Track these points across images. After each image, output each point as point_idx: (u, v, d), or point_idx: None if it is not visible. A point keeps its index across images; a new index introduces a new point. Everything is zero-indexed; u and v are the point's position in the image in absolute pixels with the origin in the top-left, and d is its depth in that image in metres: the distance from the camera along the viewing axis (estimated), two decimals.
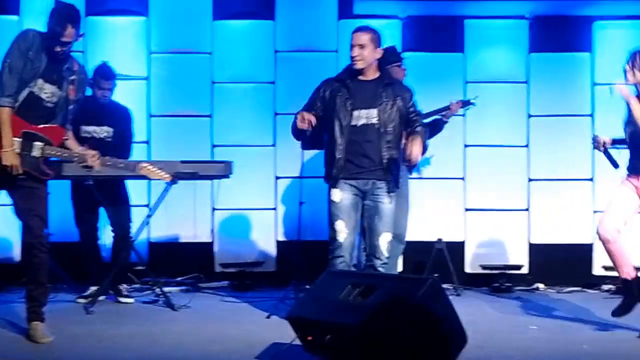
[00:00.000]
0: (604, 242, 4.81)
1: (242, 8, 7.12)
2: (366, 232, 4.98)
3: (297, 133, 4.92)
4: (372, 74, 4.93)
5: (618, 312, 4.86)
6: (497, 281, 6.79)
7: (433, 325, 3.72)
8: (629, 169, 4.91)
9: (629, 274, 4.82)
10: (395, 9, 7.06)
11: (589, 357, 4.34)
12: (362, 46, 4.84)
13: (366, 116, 4.85)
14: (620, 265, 4.83)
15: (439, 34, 7.15)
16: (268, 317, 5.35)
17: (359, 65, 4.87)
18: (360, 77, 4.92)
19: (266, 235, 7.05)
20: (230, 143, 6.99)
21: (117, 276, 5.88)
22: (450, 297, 6.06)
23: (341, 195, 4.86)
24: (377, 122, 4.85)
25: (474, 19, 7.15)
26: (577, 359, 4.33)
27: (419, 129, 4.94)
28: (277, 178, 7.06)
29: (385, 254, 4.89)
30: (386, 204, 4.88)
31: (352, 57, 4.88)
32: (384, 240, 4.88)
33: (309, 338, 3.89)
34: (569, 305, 6.03)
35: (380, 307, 3.64)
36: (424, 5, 7.01)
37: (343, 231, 4.84)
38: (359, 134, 4.83)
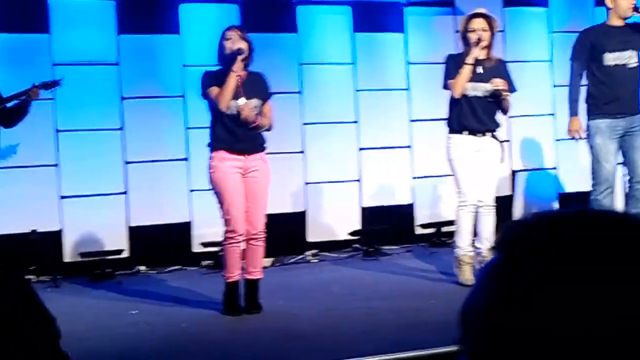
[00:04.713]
0: None
1: None
2: None
3: None
4: None
5: None
6: (98, 268, 6.65)
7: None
8: None
9: None
10: None
11: (187, 335, 4.42)
12: None
13: None
14: None
15: (23, 14, 6.75)
16: None
17: None
18: None
19: None
20: None
21: None
22: (49, 290, 5.93)
23: None
24: None
25: None
26: (176, 338, 4.39)
27: None
28: None
29: None
30: None
31: None
32: None
33: None
34: (170, 285, 6.10)
35: None
36: None
37: None
38: None
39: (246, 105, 4.88)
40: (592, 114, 5.74)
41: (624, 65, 5.68)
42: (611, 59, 5.67)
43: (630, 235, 0.76)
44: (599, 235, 0.76)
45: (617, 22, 5.75)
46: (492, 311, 0.76)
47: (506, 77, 5.65)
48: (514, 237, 0.79)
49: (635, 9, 5.64)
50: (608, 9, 5.81)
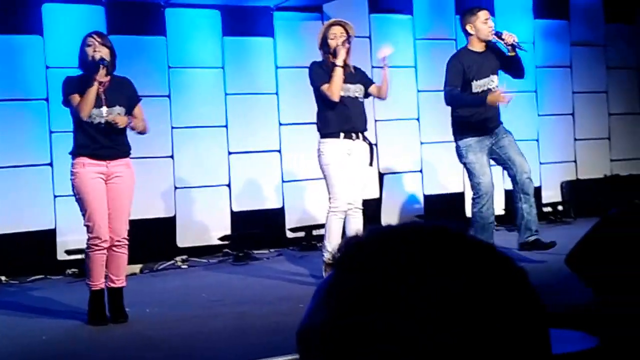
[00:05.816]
0: None
1: None
2: None
3: None
4: None
5: None
6: None
7: None
8: None
9: None
10: None
11: (48, 347, 4.28)
12: None
13: None
14: None
15: None
16: None
17: None
18: None
19: None
20: None
21: None
22: None
23: None
24: None
25: None
26: (36, 351, 4.23)
27: None
28: None
29: None
30: None
31: None
32: None
33: None
34: (32, 295, 5.89)
35: None
36: None
37: None
38: None
39: (110, 114, 4.80)
40: (460, 134, 5.87)
41: (489, 89, 5.82)
42: (478, 86, 5.82)
43: (452, 247, 0.79)
44: (426, 249, 0.78)
45: (478, 47, 5.90)
46: (328, 329, 0.77)
47: (365, 77, 5.87)
48: (347, 254, 0.80)
49: (496, 34, 5.79)
50: (468, 34, 5.94)
